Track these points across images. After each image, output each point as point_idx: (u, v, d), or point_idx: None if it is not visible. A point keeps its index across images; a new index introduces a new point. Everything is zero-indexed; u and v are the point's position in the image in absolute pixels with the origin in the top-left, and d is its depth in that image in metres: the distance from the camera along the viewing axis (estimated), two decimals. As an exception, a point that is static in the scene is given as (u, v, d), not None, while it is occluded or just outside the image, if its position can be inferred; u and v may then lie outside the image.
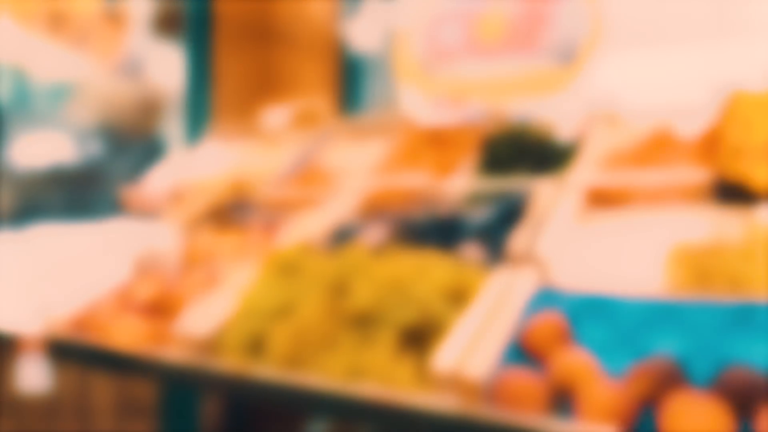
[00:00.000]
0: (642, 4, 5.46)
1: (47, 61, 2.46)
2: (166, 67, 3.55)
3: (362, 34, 3.36)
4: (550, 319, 1.12)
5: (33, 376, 1.76)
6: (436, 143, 2.29)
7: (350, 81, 3.43)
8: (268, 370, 1.27)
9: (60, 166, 3.39)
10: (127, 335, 1.58)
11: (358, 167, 2.39)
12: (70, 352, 1.70)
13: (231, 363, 1.31)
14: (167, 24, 3.43)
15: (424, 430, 1.07)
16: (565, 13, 2.71)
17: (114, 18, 2.78)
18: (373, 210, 1.90)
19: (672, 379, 0.93)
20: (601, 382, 0.96)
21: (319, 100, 3.46)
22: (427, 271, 1.25)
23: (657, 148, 1.82)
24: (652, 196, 1.58)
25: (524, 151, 1.96)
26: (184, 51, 3.34)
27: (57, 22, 2.52)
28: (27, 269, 2.33)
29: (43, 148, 3.27)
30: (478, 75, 2.91)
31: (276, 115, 2.72)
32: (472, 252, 1.29)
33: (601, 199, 1.61)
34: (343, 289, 1.30)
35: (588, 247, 1.47)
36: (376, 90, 3.52)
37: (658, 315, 1.14)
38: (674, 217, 1.47)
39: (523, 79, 2.79)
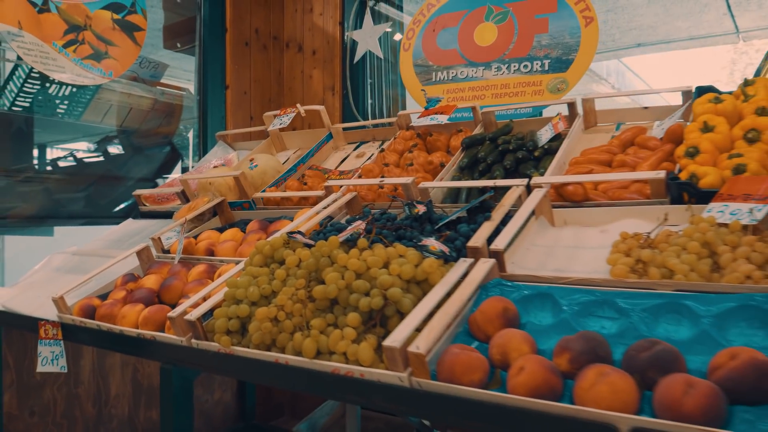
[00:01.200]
0: (629, 11, 5.50)
1: (68, 69, 2.65)
2: (182, 73, 3.74)
3: (366, 41, 3.50)
4: (496, 304, 1.24)
5: (51, 357, 1.93)
6: (425, 144, 2.42)
7: (355, 86, 3.57)
8: (249, 350, 1.41)
9: (82, 167, 3.60)
10: (131, 321, 1.74)
11: (353, 167, 2.53)
12: (82, 336, 1.88)
13: (218, 344, 1.46)
14: (182, 33, 3.61)
15: (379, 401, 1.20)
16: (558, 21, 2.81)
17: (130, 28, 2.96)
18: (361, 206, 2.03)
19: (590, 355, 1.05)
20: (531, 358, 1.08)
21: (322, 104, 3.61)
22: (393, 261, 1.38)
23: (628, 148, 1.93)
24: (613, 194, 1.69)
25: (504, 153, 2.07)
26: (198, 59, 3.53)
27: (76, 33, 2.71)
28: (48, 262, 2.52)
29: (67, 150, 3.49)
30: (473, 79, 3.02)
31: (280, 119, 2.87)
32: (435, 245, 1.42)
33: (567, 197, 1.72)
34: (317, 277, 1.44)
35: (547, 241, 1.59)
36: (379, 94, 3.66)
37: (596, 302, 1.26)
38: (628, 213, 1.57)
39: (516, 84, 2.90)
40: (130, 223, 2.79)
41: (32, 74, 2.85)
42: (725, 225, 1.33)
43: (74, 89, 3.02)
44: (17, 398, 2.44)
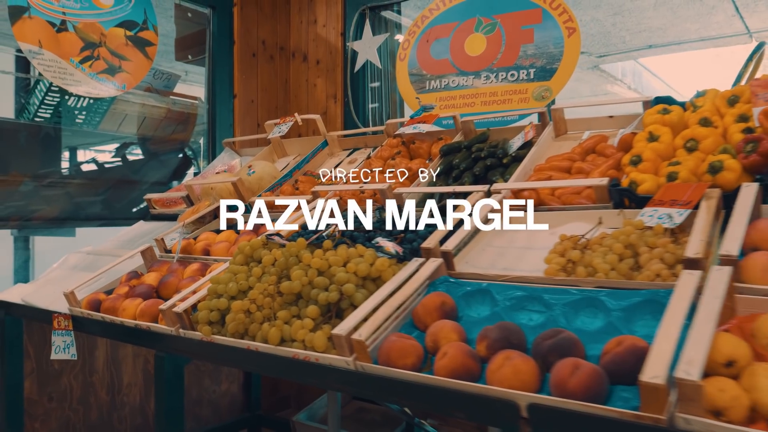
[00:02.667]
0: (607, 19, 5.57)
1: (84, 83, 2.88)
2: (202, 79, 3.96)
3: (365, 51, 3.66)
4: (435, 298, 1.40)
5: (63, 346, 2.15)
6: (408, 151, 2.58)
7: (357, 93, 3.74)
8: (226, 339, 1.60)
9: (101, 172, 3.85)
10: (130, 313, 1.94)
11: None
12: (89, 327, 2.09)
13: (200, 333, 1.65)
14: (193, 45, 3.84)
15: (332, 382, 1.37)
16: (542, 31, 2.94)
17: (142, 43, 3.19)
18: (342, 210, 2.20)
19: (503, 342, 1.20)
20: (454, 345, 1.23)
21: (325, 111, 3.79)
22: (351, 260, 1.54)
23: (588, 155, 2.06)
24: (567, 199, 1.83)
25: (476, 160, 2.22)
26: (207, 69, 3.74)
27: (91, 50, 2.94)
28: (65, 261, 2.75)
29: (85, 158, 3.74)
30: (464, 87, 3.17)
31: (279, 128, 3.06)
32: (389, 246, 1.58)
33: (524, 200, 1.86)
34: (287, 274, 1.61)
35: (502, 242, 1.73)
36: (381, 100, 3.82)
37: (527, 298, 1.41)
38: (577, 216, 1.71)
39: (504, 92, 3.03)
40: (141, 225, 3.01)
41: (52, 88, 3.09)
42: (651, 228, 1.46)
43: (91, 101, 3.26)
44: (37, 385, 2.68)
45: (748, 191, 1.42)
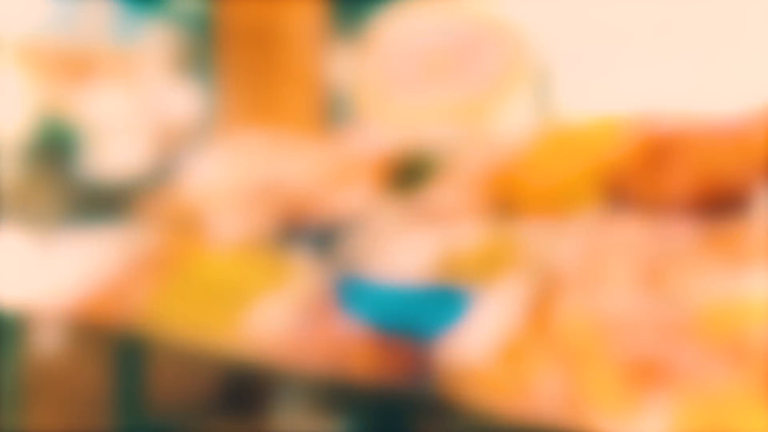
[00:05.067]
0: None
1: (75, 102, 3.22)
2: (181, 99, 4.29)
3: (342, 69, 3.94)
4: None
5: (46, 341, 2.49)
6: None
7: (332, 108, 4.02)
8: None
9: (103, 179, 4.19)
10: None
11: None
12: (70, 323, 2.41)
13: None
14: (180, 60, 4.16)
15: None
16: (486, 46, 3.16)
17: (129, 60, 3.52)
18: (288, 219, 2.49)
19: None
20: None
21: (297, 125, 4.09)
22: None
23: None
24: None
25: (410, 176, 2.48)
26: (194, 84, 4.06)
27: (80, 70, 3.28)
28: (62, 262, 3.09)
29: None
30: (416, 103, 3.42)
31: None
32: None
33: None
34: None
35: (402, 248, 1.99)
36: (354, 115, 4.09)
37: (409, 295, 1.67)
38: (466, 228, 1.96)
39: (448, 108, 3.27)
40: (131, 228, 3.34)
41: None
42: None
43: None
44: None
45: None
